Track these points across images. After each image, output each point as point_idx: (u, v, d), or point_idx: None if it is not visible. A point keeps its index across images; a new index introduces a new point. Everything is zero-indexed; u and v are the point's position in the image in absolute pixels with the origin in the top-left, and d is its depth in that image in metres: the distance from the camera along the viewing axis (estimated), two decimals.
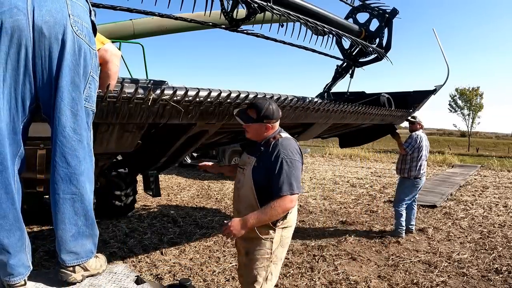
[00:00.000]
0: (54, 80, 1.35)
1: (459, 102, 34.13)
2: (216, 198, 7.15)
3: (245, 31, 2.92)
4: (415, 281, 3.56)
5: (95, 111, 1.55)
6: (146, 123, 2.18)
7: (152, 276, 3.53)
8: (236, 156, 9.23)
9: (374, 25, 4.17)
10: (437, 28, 4.74)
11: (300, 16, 2.87)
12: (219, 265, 3.79)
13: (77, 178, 1.43)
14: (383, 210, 6.47)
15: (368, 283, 3.49)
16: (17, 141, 1.36)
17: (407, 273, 3.74)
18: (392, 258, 4.14)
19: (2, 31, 1.23)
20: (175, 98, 2.07)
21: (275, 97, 2.71)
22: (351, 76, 4.61)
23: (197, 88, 2.37)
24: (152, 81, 2.59)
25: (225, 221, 1.89)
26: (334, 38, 3.39)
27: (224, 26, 2.93)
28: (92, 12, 1.53)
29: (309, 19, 2.94)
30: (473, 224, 5.68)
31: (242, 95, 2.37)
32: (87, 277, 1.55)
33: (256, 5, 2.49)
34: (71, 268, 1.49)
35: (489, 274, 3.76)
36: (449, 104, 34.69)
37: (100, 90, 1.65)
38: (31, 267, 1.46)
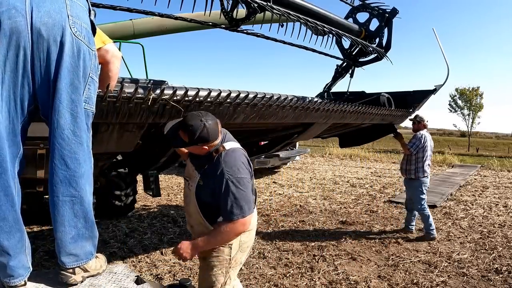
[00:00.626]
0: (52, 82, 1.35)
1: (459, 102, 34.09)
2: None
3: (245, 31, 2.91)
4: (415, 281, 3.56)
5: (94, 112, 1.55)
6: (146, 123, 2.18)
7: (152, 276, 3.53)
8: None
9: (374, 24, 4.17)
10: (437, 28, 4.73)
11: (300, 16, 2.86)
12: None
13: (76, 181, 1.42)
14: (383, 210, 6.46)
15: (368, 283, 3.49)
16: (16, 143, 1.35)
17: (407, 273, 3.74)
18: (392, 258, 4.14)
19: (0, 33, 1.22)
20: (175, 98, 2.06)
21: (275, 97, 2.68)
22: (351, 76, 4.61)
23: (197, 88, 2.36)
24: (152, 81, 2.59)
25: (177, 244, 1.85)
26: (334, 38, 3.39)
27: (224, 26, 2.92)
28: (92, 12, 1.52)
29: (309, 19, 2.94)
30: (473, 224, 5.68)
31: (242, 95, 2.37)
32: (87, 277, 1.55)
33: (256, 5, 2.48)
34: (71, 270, 1.49)
35: (489, 274, 3.76)
36: (449, 104, 34.67)
37: (100, 90, 1.65)
38: (31, 268, 1.45)
